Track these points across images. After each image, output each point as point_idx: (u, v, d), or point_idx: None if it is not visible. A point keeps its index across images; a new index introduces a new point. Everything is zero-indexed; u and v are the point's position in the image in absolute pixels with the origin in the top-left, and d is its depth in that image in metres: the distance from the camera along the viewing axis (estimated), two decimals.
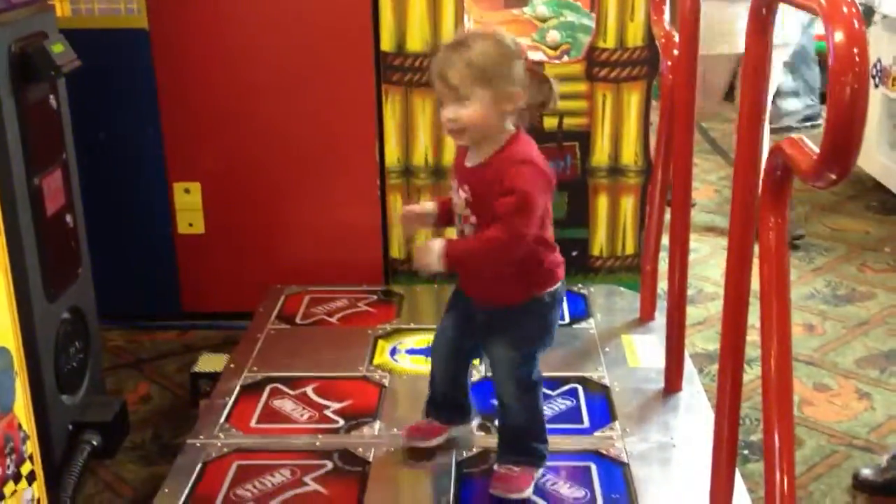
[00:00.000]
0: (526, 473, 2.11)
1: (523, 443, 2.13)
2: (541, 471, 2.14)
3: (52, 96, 2.50)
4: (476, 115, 1.90)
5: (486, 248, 1.94)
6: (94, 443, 2.53)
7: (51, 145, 2.51)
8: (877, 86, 4.50)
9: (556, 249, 2.08)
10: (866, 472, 2.55)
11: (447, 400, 2.27)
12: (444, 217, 2.13)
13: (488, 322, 2.09)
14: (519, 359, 2.07)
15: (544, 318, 2.08)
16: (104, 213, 3.18)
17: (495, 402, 2.17)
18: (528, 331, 2.06)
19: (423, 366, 2.66)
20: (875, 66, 4.51)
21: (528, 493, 2.09)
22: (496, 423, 2.32)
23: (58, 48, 2.45)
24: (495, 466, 2.15)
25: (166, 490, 2.15)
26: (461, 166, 2.03)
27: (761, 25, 1.64)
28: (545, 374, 2.59)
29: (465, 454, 2.26)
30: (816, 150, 1.35)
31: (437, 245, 1.94)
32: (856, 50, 1.21)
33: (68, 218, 2.57)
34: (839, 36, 1.22)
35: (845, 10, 1.22)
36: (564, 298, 2.16)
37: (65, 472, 2.42)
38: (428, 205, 2.16)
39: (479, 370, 2.51)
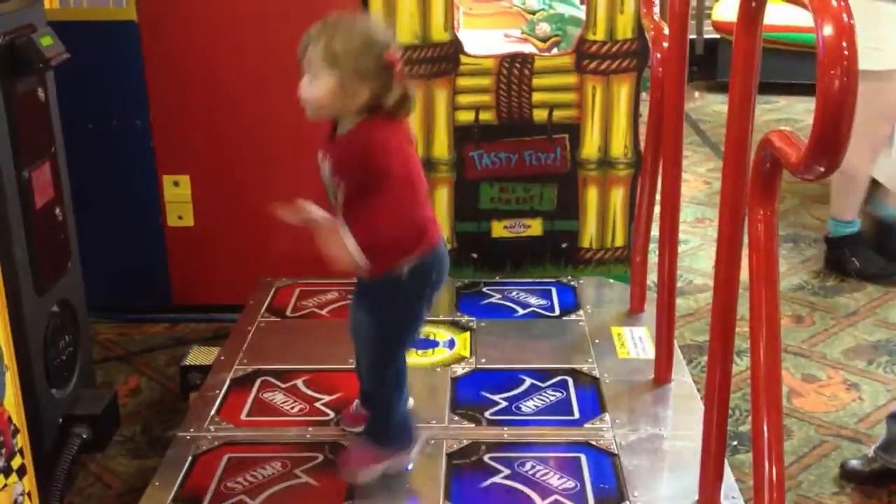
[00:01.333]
0: (364, 450, 2.13)
1: (378, 415, 2.16)
2: (388, 464, 2.12)
3: (40, 89, 2.48)
4: (318, 94, 1.94)
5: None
6: (85, 436, 2.52)
7: (39, 138, 2.50)
8: None
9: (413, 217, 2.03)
10: (854, 463, 2.57)
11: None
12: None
13: (358, 290, 2.16)
14: (369, 328, 2.10)
15: (393, 295, 2.05)
16: (93, 206, 3.16)
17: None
18: (382, 305, 2.08)
19: (413, 358, 2.66)
20: None
21: (360, 474, 2.11)
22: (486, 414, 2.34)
23: (46, 41, 2.44)
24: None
25: (157, 483, 2.15)
26: (329, 137, 2.06)
27: (750, 19, 1.64)
28: (536, 365, 2.62)
29: (455, 446, 2.27)
30: (805, 142, 1.35)
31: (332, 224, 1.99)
32: (845, 44, 1.21)
33: (57, 211, 2.56)
34: (828, 29, 1.22)
35: (834, 2, 1.23)
36: (439, 271, 2.10)
37: (55, 465, 2.42)
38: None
39: (469, 362, 2.52)
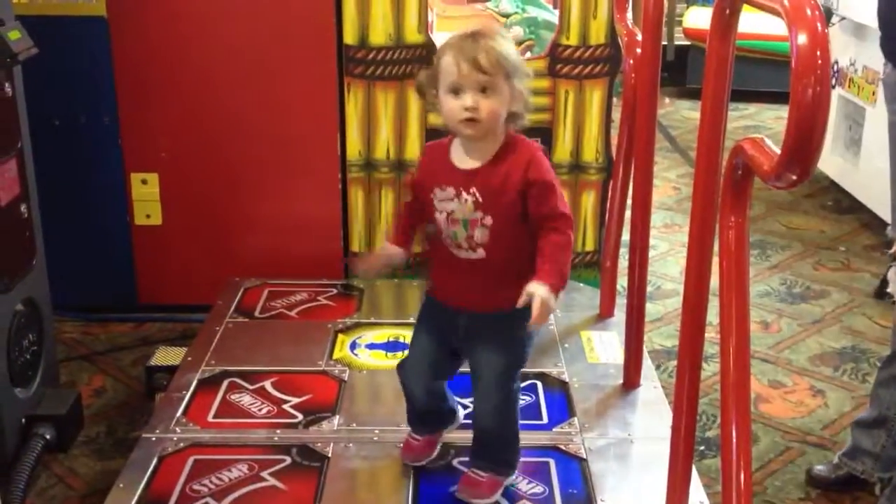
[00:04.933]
0: (492, 481, 2.09)
1: (495, 451, 2.11)
2: (510, 479, 2.12)
3: (7, 84, 2.45)
4: (496, 107, 1.87)
5: (568, 254, 1.93)
6: (48, 436, 2.50)
7: (5, 134, 2.46)
8: (833, 87, 4.56)
9: None
10: (819, 469, 2.59)
11: (431, 412, 2.20)
12: (408, 243, 2.11)
13: (476, 328, 2.01)
14: (505, 366, 2.03)
15: (525, 318, 1.91)
16: (59, 203, 3.13)
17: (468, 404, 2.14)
18: (517, 337, 2.00)
19: (383, 361, 2.66)
20: (832, 67, 4.58)
21: (492, 500, 2.07)
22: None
23: (14, 35, 2.41)
24: (466, 469, 2.13)
25: (121, 485, 2.12)
26: (452, 170, 1.95)
27: (724, 27, 1.65)
28: None
29: None
30: (777, 151, 1.36)
31: (543, 292, 1.86)
32: (818, 52, 1.22)
33: (23, 208, 2.53)
34: (802, 38, 1.23)
35: (809, 12, 1.23)
36: None
37: (17, 466, 2.38)
38: (390, 248, 2.10)
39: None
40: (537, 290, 1.85)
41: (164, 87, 3.21)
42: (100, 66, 3.18)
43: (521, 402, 2.13)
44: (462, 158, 1.95)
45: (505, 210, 1.91)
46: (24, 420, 2.48)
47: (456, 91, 1.87)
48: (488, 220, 1.93)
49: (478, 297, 2.00)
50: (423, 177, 2.03)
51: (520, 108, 1.92)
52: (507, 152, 1.92)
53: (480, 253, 1.95)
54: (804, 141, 1.27)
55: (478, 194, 1.92)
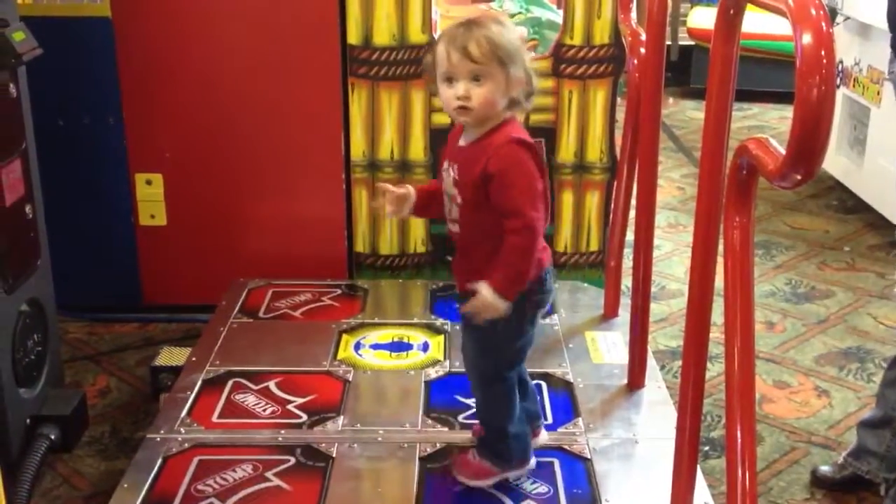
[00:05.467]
0: (481, 466, 2.11)
1: (488, 440, 2.13)
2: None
3: (11, 84, 2.45)
4: (489, 95, 1.87)
5: (524, 259, 1.89)
6: (53, 437, 2.50)
7: (10, 134, 2.46)
8: (838, 87, 4.55)
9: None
10: (824, 469, 2.59)
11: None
12: (421, 205, 2.10)
13: (465, 313, 2.02)
14: (479, 355, 2.05)
15: (520, 308, 1.95)
16: (64, 203, 3.13)
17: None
18: (491, 329, 1.98)
19: (388, 361, 2.66)
20: (837, 67, 4.56)
21: (477, 484, 2.10)
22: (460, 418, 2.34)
23: (19, 36, 2.41)
24: None
25: (125, 485, 2.12)
26: (454, 145, 2.01)
27: (728, 27, 1.65)
28: None
29: (427, 450, 2.26)
30: (782, 150, 1.36)
31: (486, 293, 1.87)
32: (823, 52, 1.22)
33: (27, 208, 2.53)
34: (807, 38, 1.23)
35: (813, 11, 1.23)
36: (551, 287, 2.05)
37: (22, 466, 2.38)
38: (409, 188, 2.09)
39: (443, 365, 2.51)
40: (481, 288, 1.88)
41: (169, 87, 3.22)
42: (104, 67, 3.18)
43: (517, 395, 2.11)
44: (465, 136, 1.99)
45: (470, 193, 1.94)
46: (28, 420, 2.49)
47: (449, 79, 1.89)
48: (459, 200, 1.97)
49: (460, 276, 2.05)
50: (443, 149, 2.10)
51: (520, 95, 1.92)
52: (488, 138, 1.93)
53: (457, 229, 2.01)
54: (809, 140, 1.27)
55: (456, 172, 1.97)
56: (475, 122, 1.93)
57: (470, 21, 1.90)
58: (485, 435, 2.15)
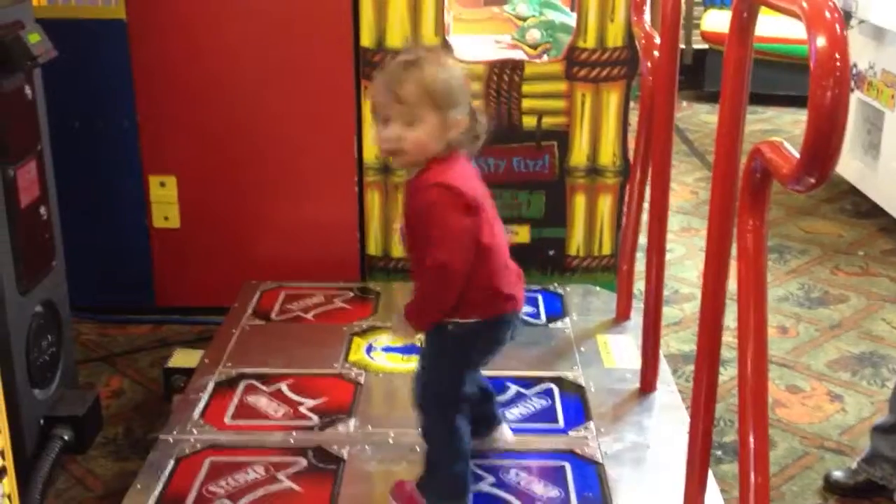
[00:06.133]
0: (414, 496, 2.06)
1: (426, 470, 2.08)
2: None
3: (27, 86, 2.46)
4: (422, 139, 1.84)
5: (425, 294, 1.93)
6: (66, 437, 2.50)
7: (26, 136, 2.48)
8: (852, 90, 4.54)
9: (498, 279, 1.95)
10: (837, 475, 2.57)
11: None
12: None
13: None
14: (424, 382, 2.04)
15: (443, 349, 1.99)
16: (78, 205, 3.15)
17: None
18: (435, 357, 2.03)
19: (399, 364, 2.66)
20: (851, 70, 4.55)
21: None
22: None
23: (34, 38, 2.42)
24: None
25: (138, 486, 2.13)
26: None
27: (742, 30, 1.64)
28: (521, 372, 2.60)
29: None
30: (796, 154, 1.35)
31: (397, 316, 1.98)
32: (837, 55, 1.21)
33: (42, 210, 2.54)
34: (821, 41, 1.22)
35: (828, 14, 1.23)
36: (503, 338, 2.03)
37: (36, 467, 2.39)
38: None
39: None
40: (400, 310, 1.97)
41: (183, 90, 3.23)
42: (119, 69, 3.20)
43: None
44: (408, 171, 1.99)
45: (408, 227, 1.96)
46: (42, 421, 2.49)
47: (382, 120, 1.87)
48: (405, 230, 1.98)
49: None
50: None
51: (462, 137, 1.88)
52: (419, 178, 1.90)
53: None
54: (823, 144, 1.26)
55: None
56: (406, 165, 1.93)
57: (407, 62, 1.86)
58: (426, 464, 2.09)
